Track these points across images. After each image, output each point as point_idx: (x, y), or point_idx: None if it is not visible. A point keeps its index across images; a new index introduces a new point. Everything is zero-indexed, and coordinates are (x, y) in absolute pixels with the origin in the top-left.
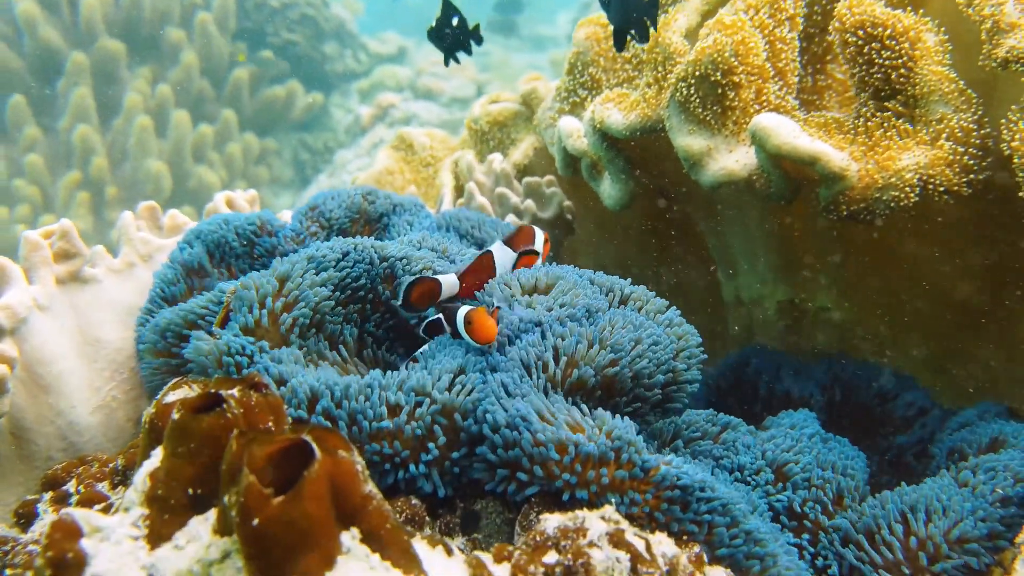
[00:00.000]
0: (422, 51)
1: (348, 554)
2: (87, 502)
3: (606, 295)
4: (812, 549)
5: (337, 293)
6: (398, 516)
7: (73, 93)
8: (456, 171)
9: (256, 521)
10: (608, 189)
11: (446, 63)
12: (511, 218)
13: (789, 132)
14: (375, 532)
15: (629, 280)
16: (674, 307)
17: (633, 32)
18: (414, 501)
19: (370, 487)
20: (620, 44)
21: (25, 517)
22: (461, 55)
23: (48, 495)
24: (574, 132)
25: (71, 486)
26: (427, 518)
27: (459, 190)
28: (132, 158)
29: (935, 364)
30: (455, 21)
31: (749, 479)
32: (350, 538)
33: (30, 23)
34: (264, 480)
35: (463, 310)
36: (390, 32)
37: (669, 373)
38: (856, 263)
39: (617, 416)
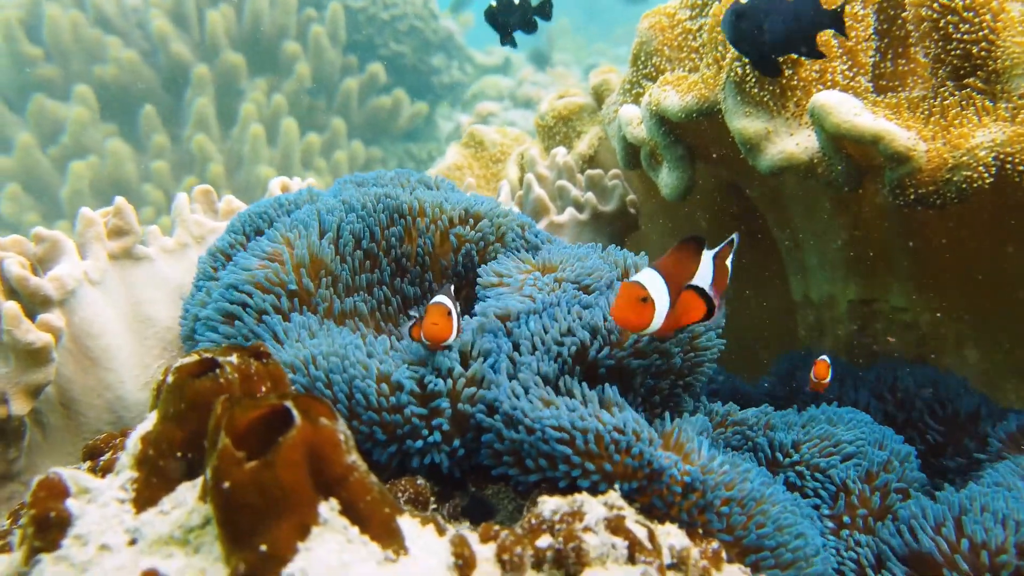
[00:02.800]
0: (527, 62)
1: (324, 525)
2: (107, 470)
3: (614, 268)
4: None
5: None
6: (401, 494)
7: (195, 103)
8: (522, 163)
9: (226, 484)
10: (665, 178)
11: (502, 43)
12: (570, 211)
13: (849, 110)
14: (356, 504)
15: (643, 253)
16: None
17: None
18: (420, 481)
19: (354, 457)
20: (770, 70)
21: None
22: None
23: (86, 465)
24: (633, 119)
25: (108, 456)
26: (431, 499)
27: (523, 182)
28: (246, 164)
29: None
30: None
31: (791, 452)
32: (328, 509)
33: (163, 39)
34: (246, 446)
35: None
36: (497, 44)
37: (685, 342)
38: (932, 258)
39: (627, 409)
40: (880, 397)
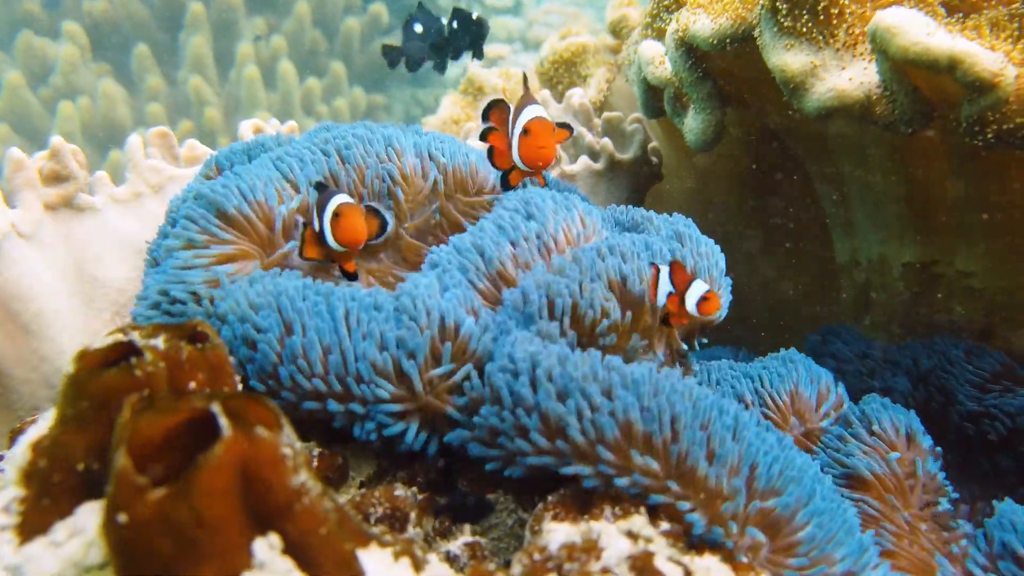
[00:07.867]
0: (539, 3)
1: (261, 569)
2: None
3: None
4: None
5: None
6: (374, 509)
7: (190, 43)
8: None
9: (123, 519)
10: (691, 121)
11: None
12: (583, 160)
13: (920, 29)
14: (305, 539)
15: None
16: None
17: None
18: (398, 491)
19: (302, 478)
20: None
21: None
22: None
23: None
24: (655, 58)
25: None
26: (412, 515)
27: None
28: (244, 109)
29: None
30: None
31: None
32: (267, 547)
33: None
34: (161, 464)
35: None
36: None
37: None
38: (1010, 214)
39: None
40: (918, 381)
